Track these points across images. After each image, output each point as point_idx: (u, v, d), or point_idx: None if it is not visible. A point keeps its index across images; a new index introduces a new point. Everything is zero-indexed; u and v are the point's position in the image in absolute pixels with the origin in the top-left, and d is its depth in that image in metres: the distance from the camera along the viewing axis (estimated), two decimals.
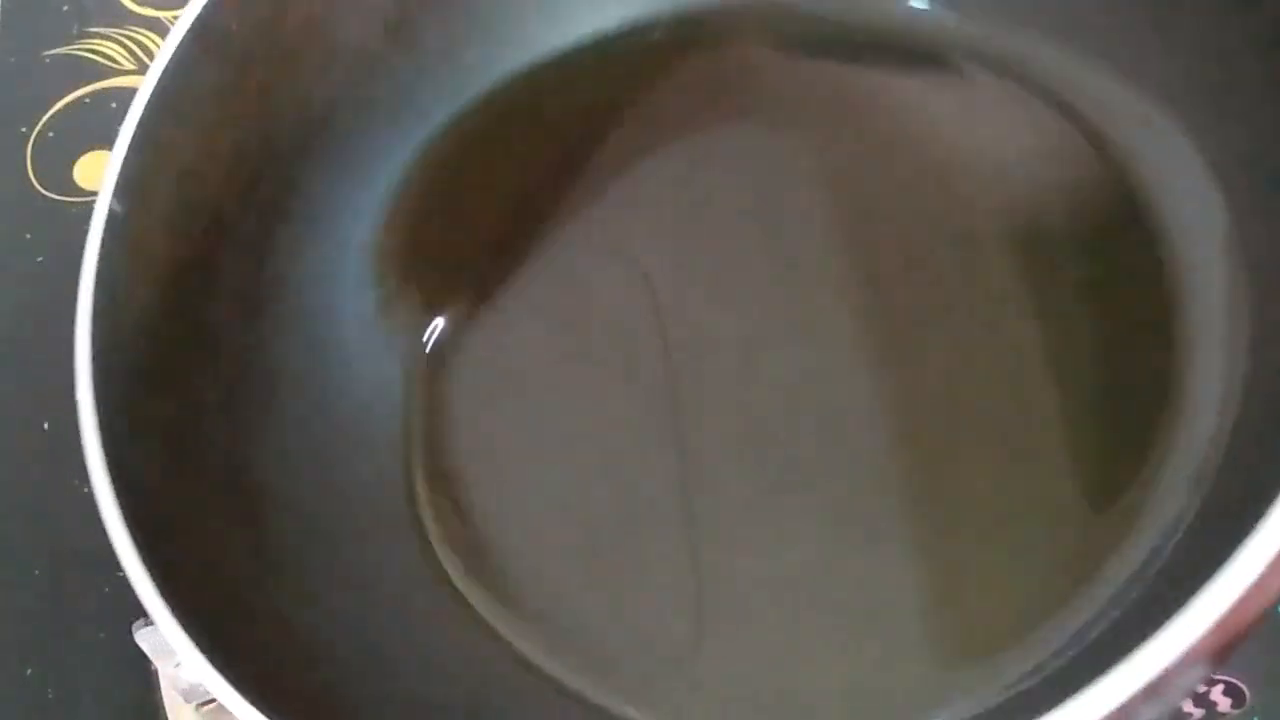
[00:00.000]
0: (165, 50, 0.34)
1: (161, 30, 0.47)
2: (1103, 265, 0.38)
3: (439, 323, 0.39)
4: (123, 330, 0.33)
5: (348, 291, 0.39)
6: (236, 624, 0.29)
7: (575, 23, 0.40)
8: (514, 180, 0.41)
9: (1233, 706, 0.37)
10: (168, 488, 0.31)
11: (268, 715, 0.27)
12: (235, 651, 0.28)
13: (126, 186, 0.33)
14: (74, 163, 0.46)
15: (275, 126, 0.37)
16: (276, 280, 0.37)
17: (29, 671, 0.37)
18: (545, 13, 0.40)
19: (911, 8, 0.41)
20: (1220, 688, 0.37)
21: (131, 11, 0.48)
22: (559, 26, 0.40)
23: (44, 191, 0.45)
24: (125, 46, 0.47)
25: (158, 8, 0.48)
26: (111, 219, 0.33)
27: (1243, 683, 0.37)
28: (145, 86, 0.34)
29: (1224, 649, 0.25)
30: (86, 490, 0.34)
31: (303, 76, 0.37)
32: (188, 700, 0.31)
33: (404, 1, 0.39)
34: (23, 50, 0.47)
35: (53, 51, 0.47)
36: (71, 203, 0.45)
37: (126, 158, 0.34)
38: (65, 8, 0.47)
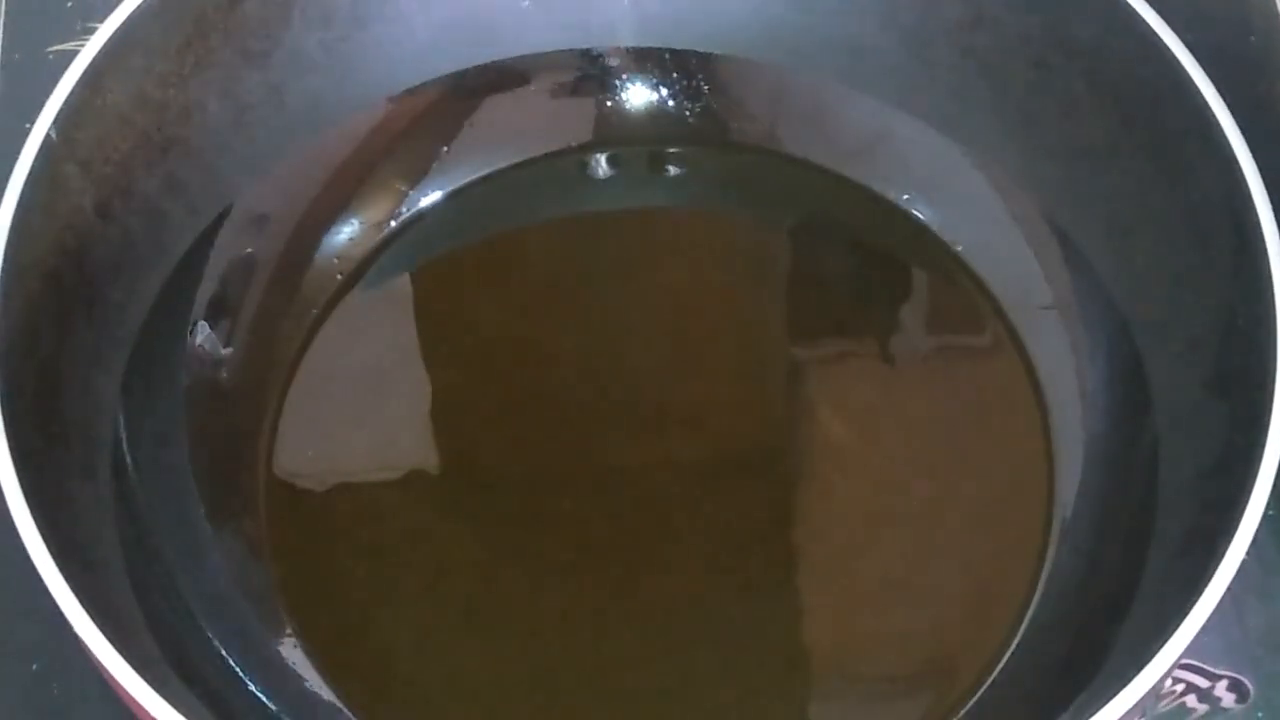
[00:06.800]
0: None
1: None
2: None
3: None
4: (28, 257, 0.33)
5: None
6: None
7: None
8: None
9: (1236, 702, 0.37)
10: (29, 426, 0.31)
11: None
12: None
13: (66, 117, 0.34)
14: None
15: (198, 102, 0.38)
16: (158, 247, 0.38)
17: (34, 668, 0.38)
18: None
19: None
20: (1224, 683, 0.37)
21: None
22: None
23: None
24: None
25: None
26: (46, 145, 0.33)
27: (1246, 678, 0.37)
28: (109, 24, 0.35)
29: None
30: None
31: (235, 65, 0.38)
32: None
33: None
34: (27, 47, 0.47)
35: (57, 48, 0.47)
36: None
37: (74, 89, 0.34)
38: (69, 4, 0.48)
